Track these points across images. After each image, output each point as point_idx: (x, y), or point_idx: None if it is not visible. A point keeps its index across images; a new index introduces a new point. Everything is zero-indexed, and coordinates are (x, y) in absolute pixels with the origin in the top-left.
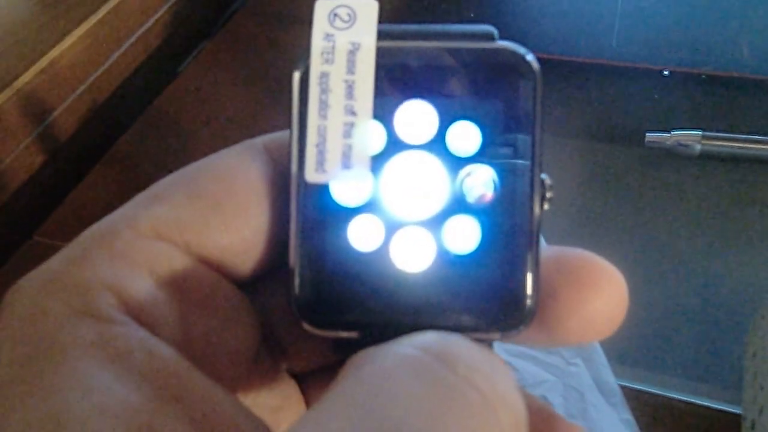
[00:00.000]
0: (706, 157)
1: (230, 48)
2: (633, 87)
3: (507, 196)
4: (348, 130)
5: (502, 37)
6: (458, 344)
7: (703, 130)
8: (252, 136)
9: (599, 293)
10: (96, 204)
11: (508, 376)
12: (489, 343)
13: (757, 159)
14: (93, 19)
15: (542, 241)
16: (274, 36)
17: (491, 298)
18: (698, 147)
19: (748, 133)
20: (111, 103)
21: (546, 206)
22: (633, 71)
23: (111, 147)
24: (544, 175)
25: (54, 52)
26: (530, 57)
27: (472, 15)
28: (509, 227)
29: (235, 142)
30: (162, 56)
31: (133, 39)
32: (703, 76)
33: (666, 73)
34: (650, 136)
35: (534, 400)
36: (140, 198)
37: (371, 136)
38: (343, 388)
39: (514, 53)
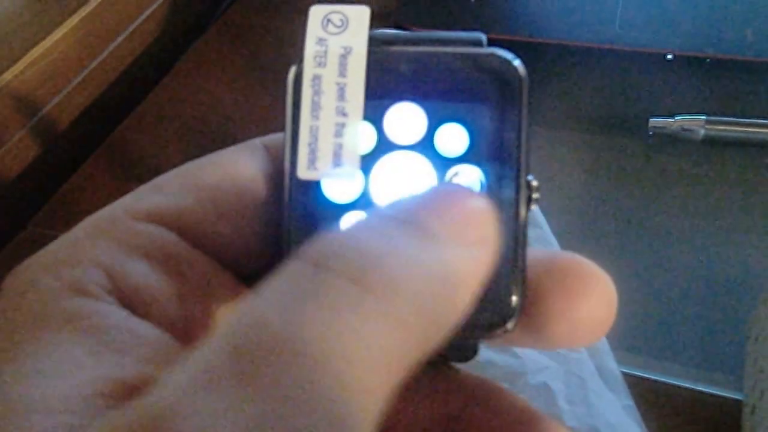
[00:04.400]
0: (709, 141)
1: (226, 39)
2: (636, 72)
3: (493, 197)
4: (339, 130)
5: (502, 23)
6: (330, 239)
7: (707, 114)
8: (248, 126)
9: (588, 298)
10: (91, 194)
11: (404, 261)
12: (475, 345)
13: (761, 143)
14: (85, 10)
15: (552, 239)
16: (270, 26)
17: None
18: (702, 132)
19: (752, 117)
20: (107, 95)
21: (533, 207)
22: (636, 56)
23: (106, 139)
24: (530, 177)
25: (45, 44)
26: (517, 62)
27: (472, 1)
28: None
29: (231, 133)
30: (158, 48)
31: (128, 31)
32: (707, 60)
33: (669, 57)
34: (654, 121)
35: (518, 400)
36: (141, 188)
37: (361, 135)
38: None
39: (501, 59)
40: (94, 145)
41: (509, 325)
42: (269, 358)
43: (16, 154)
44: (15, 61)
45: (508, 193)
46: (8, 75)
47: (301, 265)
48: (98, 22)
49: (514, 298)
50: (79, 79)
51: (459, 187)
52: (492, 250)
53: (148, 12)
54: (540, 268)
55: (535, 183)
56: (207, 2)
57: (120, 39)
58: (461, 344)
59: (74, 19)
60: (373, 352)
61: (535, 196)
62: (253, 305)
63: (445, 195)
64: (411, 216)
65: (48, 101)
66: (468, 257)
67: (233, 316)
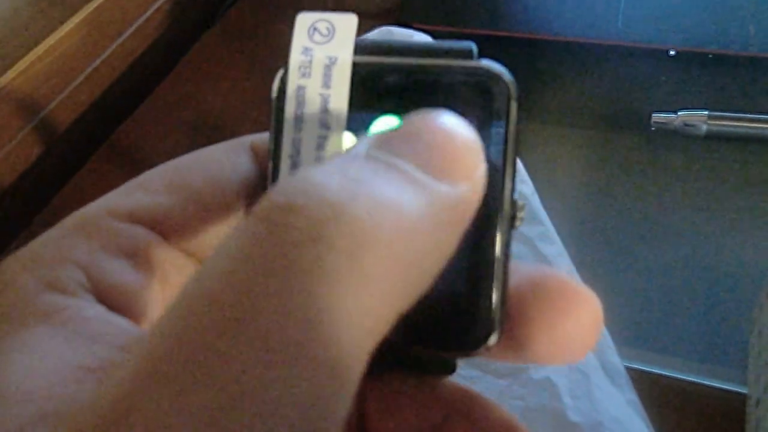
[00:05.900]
0: (712, 137)
1: (228, 39)
2: (639, 68)
3: (477, 214)
4: (321, 142)
5: (504, 19)
6: (289, 187)
7: (710, 110)
8: (250, 127)
9: (571, 317)
10: (93, 193)
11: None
12: (453, 360)
13: (763, 138)
14: (89, 8)
15: (555, 236)
16: (272, 28)
17: (457, 315)
18: (704, 127)
19: (755, 113)
20: (109, 95)
21: (518, 224)
22: (639, 52)
23: (109, 138)
24: (515, 195)
25: (47, 43)
26: (507, 77)
27: None
28: (478, 245)
29: (233, 133)
30: (160, 48)
31: (130, 31)
32: (710, 56)
33: (672, 53)
34: (656, 116)
35: (500, 411)
36: (124, 186)
37: (344, 149)
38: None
39: (490, 72)
40: (97, 144)
41: (491, 341)
42: (219, 343)
43: (19, 153)
44: (17, 60)
45: (493, 211)
46: (10, 74)
47: (254, 223)
48: (100, 21)
49: (495, 315)
50: (81, 78)
51: (443, 118)
52: (480, 185)
53: (150, 12)
54: (524, 286)
55: (520, 202)
56: (209, 2)
57: (122, 38)
58: (441, 360)
59: (76, 19)
60: (339, 322)
61: (520, 215)
62: (201, 279)
63: (428, 128)
64: (388, 155)
65: (50, 100)
66: (455, 196)
67: (180, 294)
